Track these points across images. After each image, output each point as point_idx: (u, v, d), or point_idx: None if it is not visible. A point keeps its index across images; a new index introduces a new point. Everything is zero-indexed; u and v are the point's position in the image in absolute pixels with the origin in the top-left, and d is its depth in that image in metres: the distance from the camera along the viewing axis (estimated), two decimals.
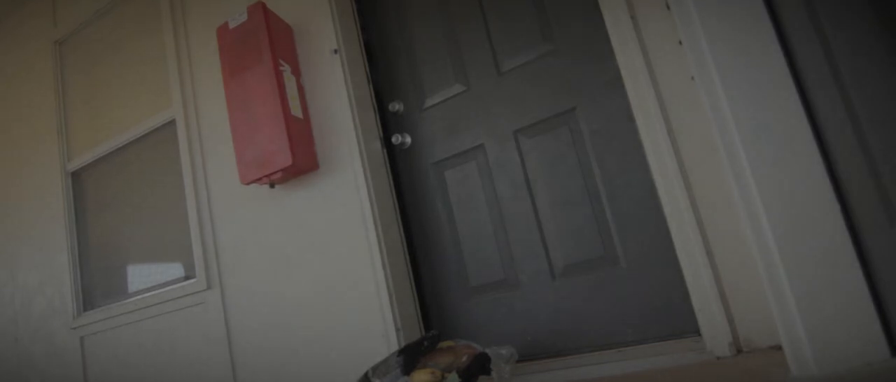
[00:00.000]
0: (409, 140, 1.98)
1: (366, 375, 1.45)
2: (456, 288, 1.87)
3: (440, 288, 1.91)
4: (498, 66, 1.84)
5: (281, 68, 1.84)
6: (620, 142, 1.59)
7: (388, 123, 2.03)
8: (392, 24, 2.06)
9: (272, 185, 1.93)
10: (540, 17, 1.77)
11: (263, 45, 1.84)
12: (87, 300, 2.48)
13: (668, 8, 1.24)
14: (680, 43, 1.20)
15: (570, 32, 1.71)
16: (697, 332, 1.42)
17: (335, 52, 1.90)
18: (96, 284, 2.51)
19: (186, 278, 2.21)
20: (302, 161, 1.82)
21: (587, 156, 1.67)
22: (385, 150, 1.97)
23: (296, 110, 1.86)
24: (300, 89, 1.93)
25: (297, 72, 1.94)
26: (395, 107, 2.00)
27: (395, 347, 1.67)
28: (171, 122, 2.29)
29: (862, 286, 1.00)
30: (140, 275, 2.42)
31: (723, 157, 1.11)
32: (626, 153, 1.58)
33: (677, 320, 1.48)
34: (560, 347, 1.66)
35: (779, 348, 1.19)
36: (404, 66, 2.02)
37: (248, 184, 1.89)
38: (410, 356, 1.46)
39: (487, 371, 1.43)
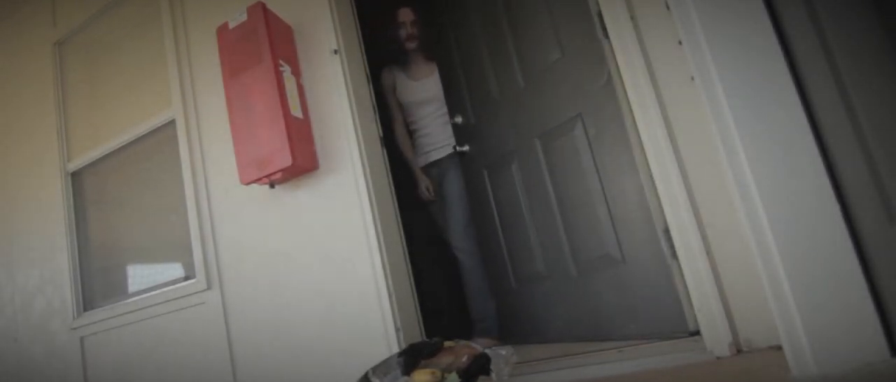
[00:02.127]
0: (467, 147, 2.19)
1: (366, 375, 1.45)
2: (505, 277, 2.07)
3: (496, 278, 2.13)
4: (522, 78, 1.94)
5: (281, 68, 1.84)
6: (621, 143, 1.59)
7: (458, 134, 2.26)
8: (452, 49, 2.23)
9: (272, 185, 1.93)
10: (551, 25, 1.80)
11: (263, 45, 1.84)
12: (88, 300, 2.48)
13: (668, 8, 1.24)
14: (680, 43, 1.20)
15: (574, 37, 1.72)
16: (697, 332, 1.42)
17: (335, 52, 1.90)
18: (96, 284, 2.51)
19: (186, 278, 2.21)
20: (302, 161, 1.81)
21: (592, 158, 1.70)
22: (384, 151, 1.98)
23: (296, 110, 1.86)
24: (300, 89, 1.93)
25: (297, 72, 1.94)
26: (458, 119, 2.21)
27: (395, 347, 1.67)
28: (171, 122, 2.29)
29: (862, 286, 1.00)
30: (140, 276, 2.42)
31: (723, 157, 1.11)
32: (626, 154, 1.58)
33: (678, 320, 1.48)
34: (579, 335, 1.78)
35: (779, 348, 1.19)
36: (462, 85, 2.21)
37: (248, 184, 1.89)
38: (411, 356, 1.46)
39: (487, 372, 1.43)
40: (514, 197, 1.99)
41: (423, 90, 2.37)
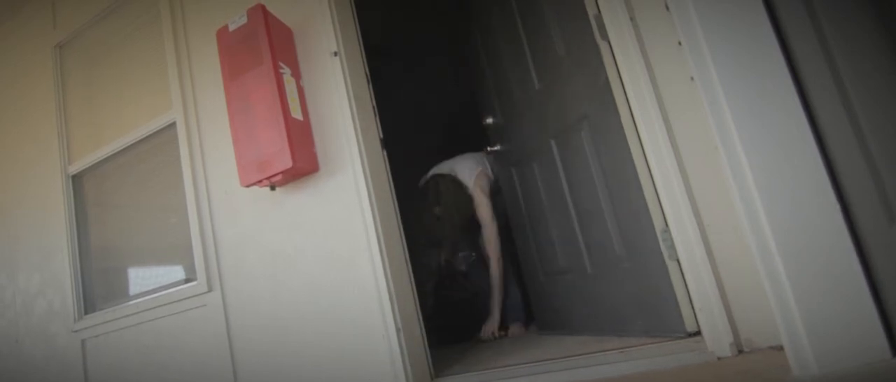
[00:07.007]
0: (499, 147, 2.31)
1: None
2: (535, 270, 2.20)
3: (527, 270, 2.28)
4: (537, 80, 1.99)
5: (281, 70, 1.85)
6: (622, 143, 1.59)
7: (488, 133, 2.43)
8: (480, 54, 2.36)
9: (273, 187, 1.93)
10: (557, 27, 1.81)
11: (263, 47, 1.84)
12: (89, 303, 2.48)
13: (668, 9, 1.24)
14: (680, 43, 1.20)
15: (576, 39, 1.72)
16: (698, 332, 1.42)
17: (335, 54, 1.90)
18: (97, 287, 2.51)
19: (187, 280, 2.21)
20: (302, 163, 1.82)
21: (596, 158, 1.71)
22: (384, 152, 1.98)
23: (296, 112, 1.86)
24: (300, 91, 1.93)
25: (297, 74, 1.94)
26: (488, 120, 2.33)
27: (396, 348, 1.67)
28: (172, 125, 2.29)
29: (862, 286, 1.00)
30: (141, 278, 2.42)
31: (723, 157, 1.11)
32: (627, 154, 1.58)
33: (678, 320, 1.48)
34: (597, 329, 1.86)
35: (780, 348, 1.19)
36: (491, 89, 2.33)
37: (248, 186, 1.89)
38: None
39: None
40: (537, 195, 2.07)
41: None
